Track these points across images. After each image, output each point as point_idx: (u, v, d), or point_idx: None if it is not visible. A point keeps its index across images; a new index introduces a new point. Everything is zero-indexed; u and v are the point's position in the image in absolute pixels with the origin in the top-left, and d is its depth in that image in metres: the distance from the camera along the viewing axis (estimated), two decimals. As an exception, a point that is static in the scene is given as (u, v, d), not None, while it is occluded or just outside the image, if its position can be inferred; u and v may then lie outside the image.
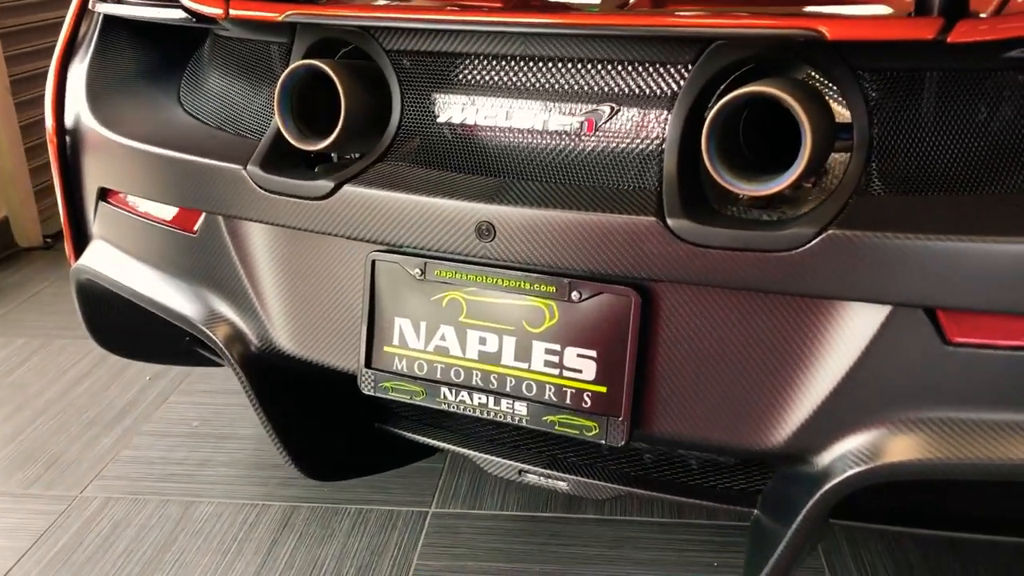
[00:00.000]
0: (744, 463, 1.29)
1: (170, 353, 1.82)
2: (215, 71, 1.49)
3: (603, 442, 1.11)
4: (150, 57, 1.55)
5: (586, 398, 1.12)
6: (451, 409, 1.20)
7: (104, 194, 1.51)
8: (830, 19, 0.96)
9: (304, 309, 1.30)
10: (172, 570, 1.73)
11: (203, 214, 1.35)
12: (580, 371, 1.12)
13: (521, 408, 1.16)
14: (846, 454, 1.02)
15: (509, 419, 1.16)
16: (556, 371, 1.13)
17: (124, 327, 1.72)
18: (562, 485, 1.36)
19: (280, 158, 1.27)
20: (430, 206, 1.13)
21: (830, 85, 1.03)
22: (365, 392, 1.25)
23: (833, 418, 1.02)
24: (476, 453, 1.41)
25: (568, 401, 1.13)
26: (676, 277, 1.03)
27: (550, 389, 1.14)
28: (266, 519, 1.88)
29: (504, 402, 1.16)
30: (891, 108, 1.01)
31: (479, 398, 1.18)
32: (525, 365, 1.15)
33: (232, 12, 1.28)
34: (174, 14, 1.40)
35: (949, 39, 0.93)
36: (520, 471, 1.39)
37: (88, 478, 2.03)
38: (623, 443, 1.11)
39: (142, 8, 1.46)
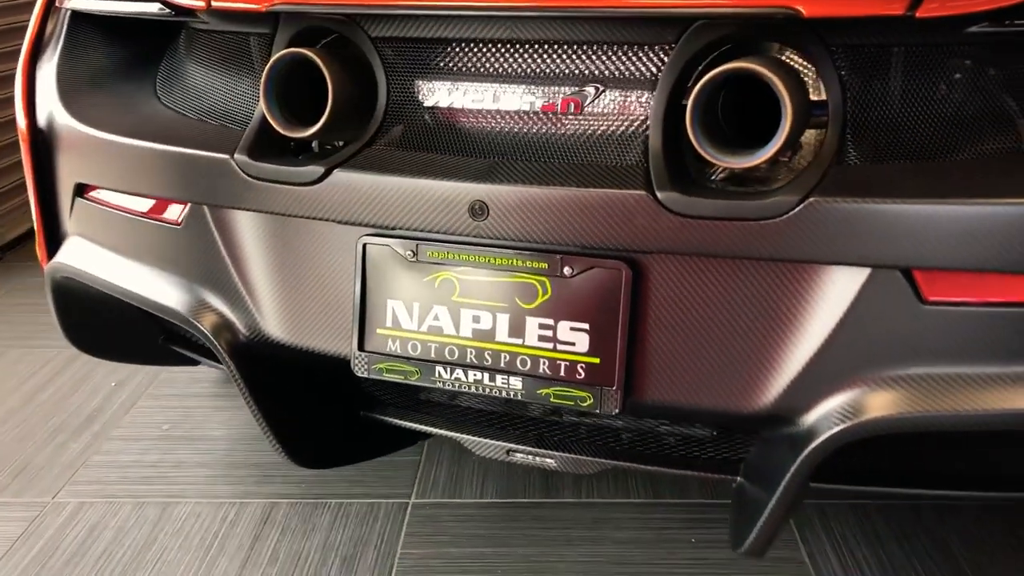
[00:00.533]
0: (726, 433, 1.33)
1: (144, 352, 1.82)
2: (192, 63, 1.49)
3: (598, 411, 1.15)
4: (122, 51, 1.55)
5: (580, 370, 1.16)
6: (446, 387, 1.22)
7: (81, 190, 1.51)
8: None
9: (294, 296, 1.31)
10: (154, 569, 1.72)
11: (188, 205, 1.35)
12: (573, 344, 1.15)
13: (516, 383, 1.19)
14: (830, 413, 1.07)
15: (504, 394, 1.19)
16: (550, 345, 1.17)
17: (99, 326, 1.71)
18: (550, 462, 1.39)
19: (265, 147, 1.28)
20: (423, 187, 1.15)
21: (805, 62, 1.09)
22: (359, 375, 1.27)
23: (817, 378, 1.07)
24: (464, 436, 1.43)
25: (562, 374, 1.16)
26: (666, 248, 1.07)
27: (544, 363, 1.17)
28: (246, 516, 1.88)
29: (499, 378, 1.19)
30: (863, 82, 1.07)
31: (474, 375, 1.21)
32: (519, 341, 1.18)
33: (214, 4, 1.29)
34: (149, 8, 1.40)
35: (917, 14, 0.98)
36: (508, 451, 1.41)
37: (59, 484, 2.01)
38: (617, 412, 1.14)
39: (113, 3, 1.46)
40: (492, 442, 1.42)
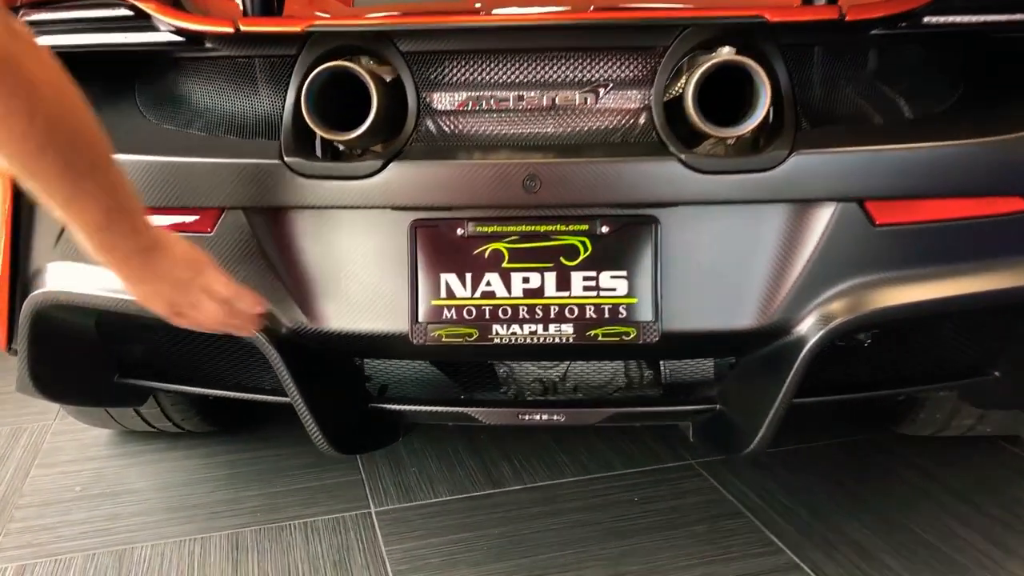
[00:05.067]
0: (699, 374, 1.63)
1: (98, 392, 1.80)
2: (182, 79, 1.56)
3: (640, 342, 1.40)
4: (98, 76, 1.58)
5: (622, 310, 1.41)
6: (503, 342, 1.41)
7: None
8: (769, 9, 1.37)
9: (343, 284, 1.44)
10: (141, 605, 1.69)
11: (223, 212, 1.45)
12: (614, 289, 1.40)
13: (567, 328, 1.41)
14: (820, 316, 1.40)
15: (557, 340, 1.41)
16: (594, 293, 1.41)
17: (63, 365, 1.70)
18: (559, 418, 1.61)
19: (303, 150, 1.43)
20: (481, 167, 1.36)
21: (765, 55, 1.44)
22: (416, 343, 1.42)
23: (807, 292, 1.40)
24: (474, 409, 1.61)
25: (607, 316, 1.41)
26: (689, 200, 1.37)
27: (590, 309, 1.41)
28: (213, 548, 1.89)
29: (551, 327, 1.41)
30: (806, 69, 1.44)
31: (529, 328, 1.41)
32: (566, 294, 1.41)
33: (243, 28, 1.43)
34: (154, 37, 1.49)
35: (847, 18, 1.37)
36: (518, 415, 1.61)
37: (-11, 552, 1.89)
38: (656, 341, 1.40)
39: (101, 34, 1.52)
40: (503, 410, 1.61)
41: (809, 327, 1.40)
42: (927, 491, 2.02)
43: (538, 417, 1.61)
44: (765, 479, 2.09)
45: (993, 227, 1.40)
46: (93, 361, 1.75)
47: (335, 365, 1.60)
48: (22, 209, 1.56)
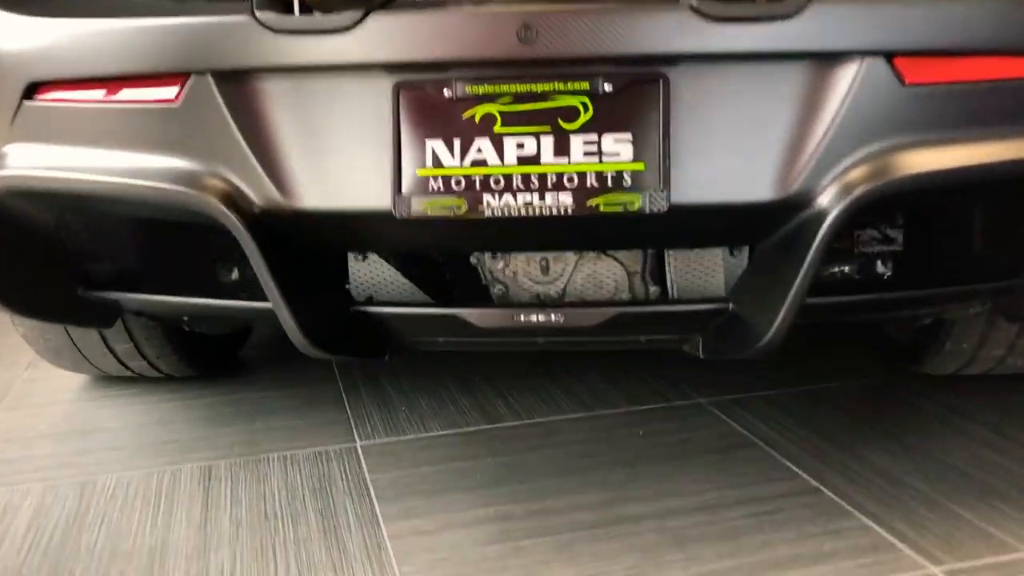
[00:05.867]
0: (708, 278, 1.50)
1: (60, 306, 1.67)
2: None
3: (646, 212, 1.27)
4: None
5: (626, 177, 1.27)
6: (495, 215, 1.28)
7: (32, 92, 1.41)
8: None
9: (320, 158, 1.31)
10: (100, 531, 1.55)
11: (189, 80, 1.32)
12: (618, 154, 1.27)
13: (566, 198, 1.28)
14: (842, 185, 1.26)
15: (555, 211, 1.28)
16: (595, 159, 1.27)
17: (22, 269, 1.57)
18: (557, 318, 1.47)
19: (276, 5, 1.30)
20: (471, 16, 1.24)
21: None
22: (399, 218, 1.29)
23: (829, 158, 1.27)
24: (466, 311, 1.48)
25: (610, 183, 1.27)
26: (700, 51, 1.24)
27: (591, 176, 1.27)
28: (184, 477, 1.75)
29: (548, 196, 1.28)
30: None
31: (523, 198, 1.28)
32: (565, 160, 1.28)
33: None
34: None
35: None
36: (513, 316, 1.47)
37: (-57, 481, 1.75)
38: (665, 209, 1.27)
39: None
40: (495, 311, 1.48)
41: (832, 197, 1.26)
42: (954, 424, 1.88)
43: (534, 318, 1.48)
44: (781, 415, 1.95)
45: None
46: (55, 269, 1.62)
47: (314, 260, 1.47)
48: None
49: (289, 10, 1.31)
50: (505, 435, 1.89)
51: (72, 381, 2.29)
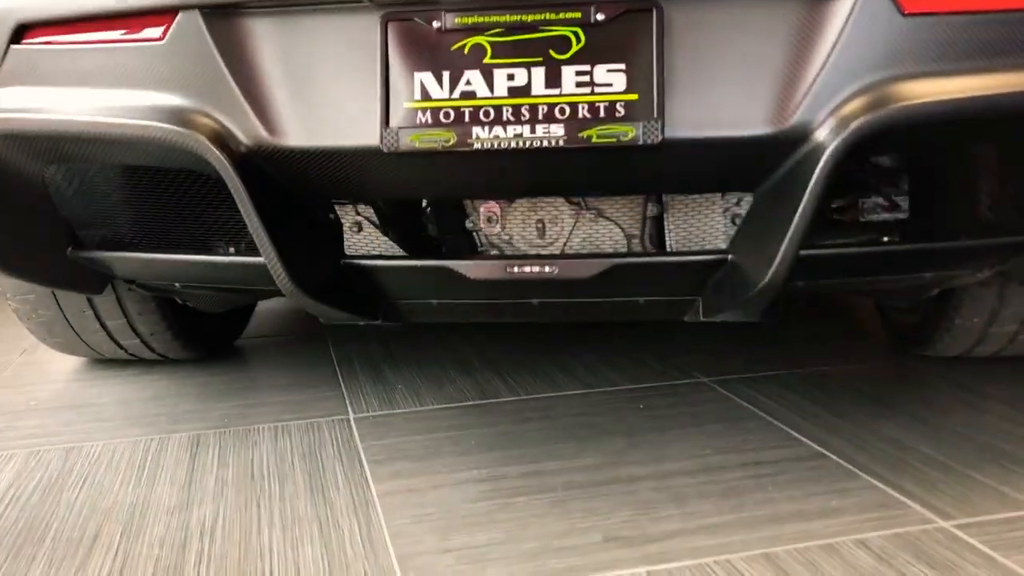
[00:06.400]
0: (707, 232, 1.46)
1: (53, 266, 1.65)
2: None
3: (640, 143, 1.23)
4: None
5: (619, 108, 1.24)
6: (485, 147, 1.25)
7: (19, 35, 1.40)
8: None
9: (308, 96, 1.29)
10: (83, 490, 1.51)
11: (177, 16, 1.31)
12: (611, 84, 1.24)
13: (557, 130, 1.24)
14: (841, 117, 1.22)
15: (545, 143, 1.24)
16: (588, 90, 1.24)
17: (9, 228, 1.55)
18: (550, 269, 1.43)
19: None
20: (460, -56, 1.22)
21: None
22: (387, 151, 1.26)
23: (827, 91, 1.23)
24: (458, 263, 1.44)
25: (602, 114, 1.24)
26: (695, -21, 1.21)
27: (584, 107, 1.24)
28: (172, 445, 1.70)
29: (539, 128, 1.25)
30: None
31: (514, 130, 1.25)
32: (556, 91, 1.25)
33: None
34: None
35: None
36: (506, 267, 1.44)
37: (-74, 446, 1.71)
38: (659, 141, 1.23)
39: None
40: (488, 263, 1.44)
41: (830, 131, 1.23)
42: (963, 399, 1.82)
43: (528, 269, 1.44)
44: (785, 391, 1.89)
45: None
46: (45, 230, 1.60)
47: (304, 209, 1.44)
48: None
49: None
50: (499, 410, 1.84)
51: (68, 363, 2.26)
